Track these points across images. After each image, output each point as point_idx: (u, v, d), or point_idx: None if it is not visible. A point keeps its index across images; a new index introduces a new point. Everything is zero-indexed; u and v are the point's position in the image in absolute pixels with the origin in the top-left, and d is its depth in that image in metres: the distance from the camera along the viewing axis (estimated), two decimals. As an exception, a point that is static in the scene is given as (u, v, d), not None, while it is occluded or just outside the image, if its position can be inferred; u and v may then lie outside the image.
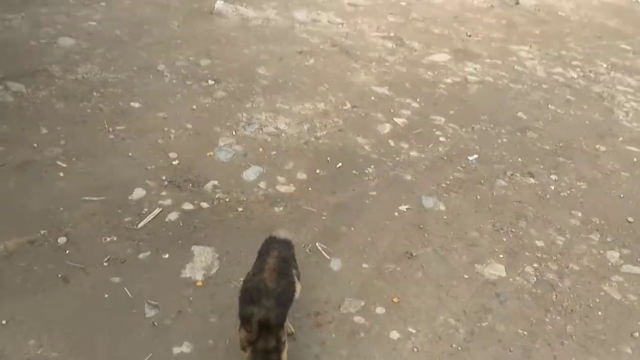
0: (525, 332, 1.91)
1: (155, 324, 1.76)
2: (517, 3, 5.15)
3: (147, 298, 1.84)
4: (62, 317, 1.75)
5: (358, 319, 1.87)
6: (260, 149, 2.61)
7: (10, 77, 2.81)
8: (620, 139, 3.17)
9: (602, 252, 2.32)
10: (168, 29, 3.58)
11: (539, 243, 2.31)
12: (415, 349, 1.80)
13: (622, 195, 2.68)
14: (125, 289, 1.86)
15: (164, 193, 2.27)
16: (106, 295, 1.83)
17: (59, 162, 2.35)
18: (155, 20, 3.65)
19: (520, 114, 3.26)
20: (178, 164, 2.44)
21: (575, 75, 3.88)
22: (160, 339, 1.72)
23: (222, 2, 3.96)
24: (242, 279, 1.67)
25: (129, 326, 1.75)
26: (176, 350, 1.70)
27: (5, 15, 3.36)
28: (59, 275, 1.87)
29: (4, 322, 1.71)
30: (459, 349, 1.82)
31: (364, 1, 4.62)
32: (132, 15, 3.66)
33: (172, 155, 2.48)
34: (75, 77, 2.91)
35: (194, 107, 2.83)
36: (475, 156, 2.79)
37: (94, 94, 2.81)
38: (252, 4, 4.11)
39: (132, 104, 2.78)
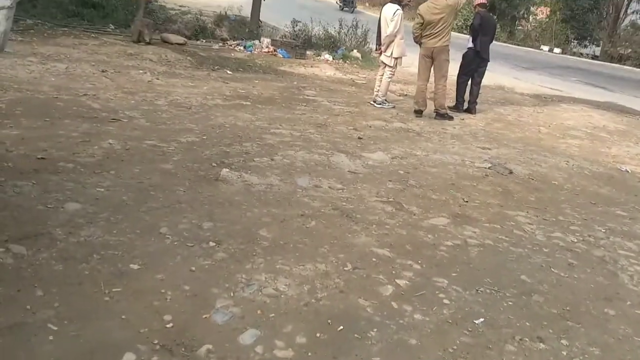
0: None
1: None
2: (511, 172, 5.37)
3: None
4: None
5: None
6: (259, 311, 2.53)
7: (12, 239, 2.82)
8: (629, 302, 3.09)
9: None
10: (174, 194, 3.69)
11: (558, 415, 2.14)
12: None
13: (639, 362, 2.54)
14: None
15: (154, 358, 2.15)
16: None
17: (50, 325, 2.27)
18: (162, 186, 3.78)
19: (523, 277, 3.22)
20: (172, 326, 2.35)
21: (575, 240, 3.91)
22: None
23: (227, 170, 4.14)
24: None
25: None
26: None
27: (16, 182, 3.49)
28: None
29: None
30: None
31: (363, 169, 4.83)
32: (139, 182, 3.80)
33: (167, 317, 2.40)
34: (77, 240, 2.93)
35: (193, 268, 2.81)
36: (482, 319, 2.70)
37: (94, 256, 2.80)
38: (257, 172, 4.30)
39: (131, 265, 2.76)
